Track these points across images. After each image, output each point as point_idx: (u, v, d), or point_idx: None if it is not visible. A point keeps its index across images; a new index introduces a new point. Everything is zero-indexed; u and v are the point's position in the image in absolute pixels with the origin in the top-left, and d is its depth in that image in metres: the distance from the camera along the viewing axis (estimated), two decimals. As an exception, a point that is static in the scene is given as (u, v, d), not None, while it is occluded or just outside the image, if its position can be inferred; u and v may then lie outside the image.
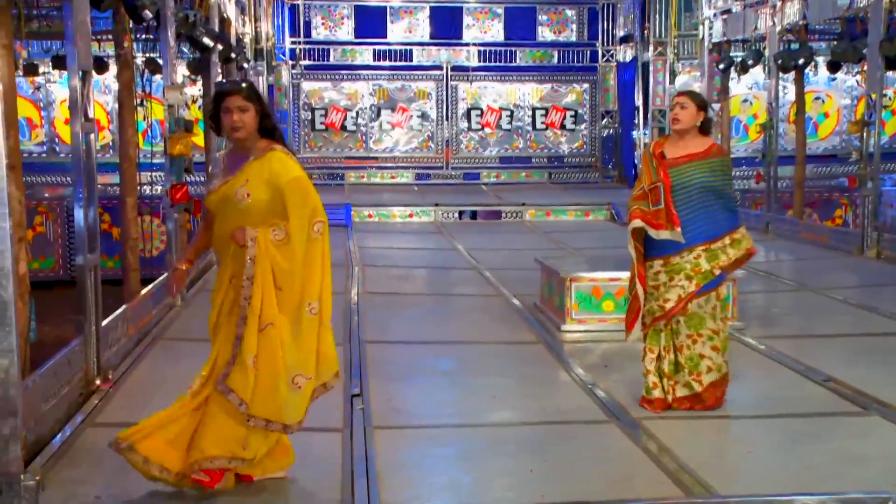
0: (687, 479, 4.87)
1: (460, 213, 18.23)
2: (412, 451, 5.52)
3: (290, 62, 22.51)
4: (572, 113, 23.36)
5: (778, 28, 14.84)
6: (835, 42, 15.73)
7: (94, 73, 6.48)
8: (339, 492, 4.80)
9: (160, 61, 10.99)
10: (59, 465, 5.06)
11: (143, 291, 8.33)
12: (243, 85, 4.73)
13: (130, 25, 8.47)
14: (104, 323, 6.70)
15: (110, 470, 4.99)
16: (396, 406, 6.34)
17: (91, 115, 6.26)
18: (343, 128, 22.97)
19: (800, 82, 14.96)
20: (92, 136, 6.31)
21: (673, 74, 17.91)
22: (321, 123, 22.91)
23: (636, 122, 22.04)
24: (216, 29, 12.13)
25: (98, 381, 6.35)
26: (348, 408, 6.21)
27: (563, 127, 23.36)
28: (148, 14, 7.85)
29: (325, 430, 5.76)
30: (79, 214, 6.26)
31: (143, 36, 10.25)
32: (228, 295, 4.67)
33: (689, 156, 5.92)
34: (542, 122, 23.31)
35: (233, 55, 13.60)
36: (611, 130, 23.31)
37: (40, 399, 5.36)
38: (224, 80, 12.45)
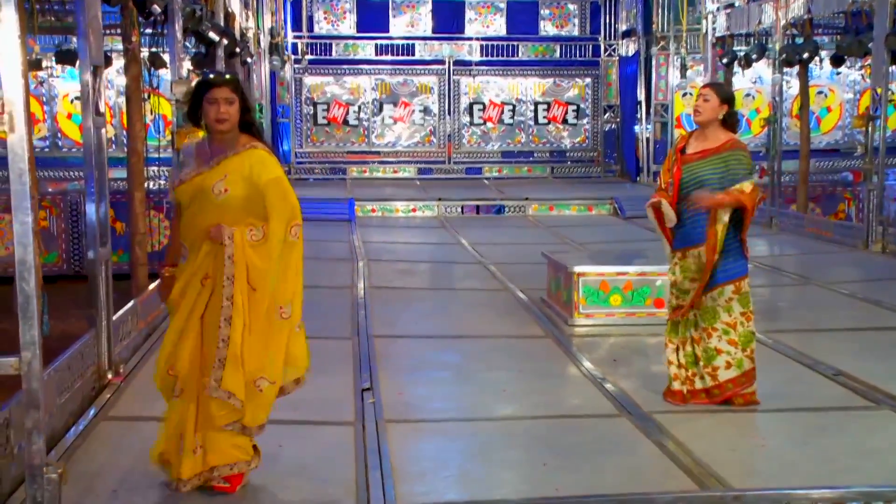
0: (701, 472, 4.89)
1: (463, 207, 18.21)
2: (425, 445, 5.54)
3: (294, 56, 22.49)
4: (574, 107, 23.37)
5: (782, 22, 14.84)
6: (838, 36, 15.74)
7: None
8: (353, 485, 4.82)
9: (164, 56, 11.01)
10: (74, 459, 5.08)
11: (152, 286, 8.33)
12: (229, 77, 4.67)
13: (139, 19, 8.46)
14: (114, 317, 6.71)
15: (126, 464, 5.03)
16: (407, 400, 6.36)
17: (102, 109, 6.27)
18: (345, 122, 22.97)
19: (804, 77, 14.95)
20: (103, 130, 6.31)
21: (684, 68, 17.86)
22: (323, 118, 22.92)
23: (638, 116, 22.05)
24: (221, 23, 12.12)
25: (110, 375, 6.36)
26: (359, 402, 6.22)
27: (565, 121, 23.37)
28: (157, 8, 7.85)
29: (337, 423, 5.80)
30: (90, 209, 6.28)
31: (148, 31, 10.22)
32: (202, 296, 4.54)
33: (703, 152, 5.87)
34: (545, 117, 23.32)
35: (237, 50, 13.59)
36: (613, 125, 23.32)
37: (55, 392, 5.38)
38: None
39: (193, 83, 4.64)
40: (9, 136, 3.44)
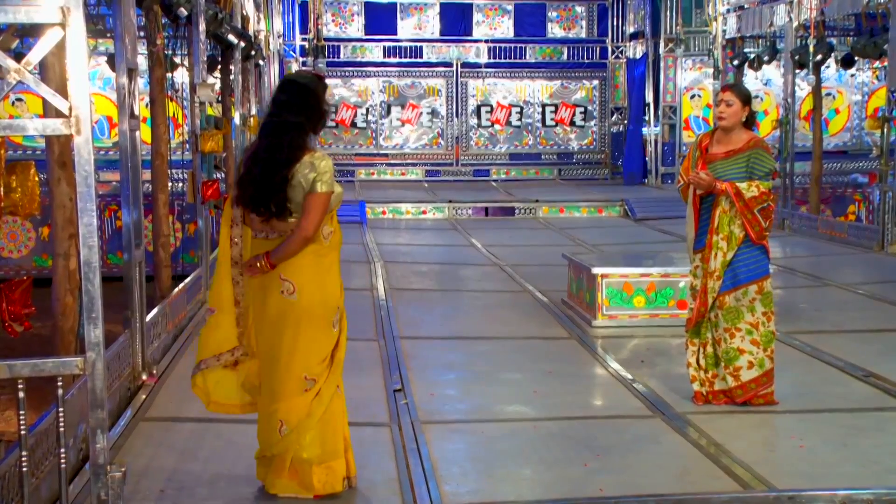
0: (743, 473, 4.91)
1: (472, 209, 18.24)
2: (463, 446, 5.57)
3: (301, 59, 22.52)
4: (582, 109, 23.42)
5: (795, 24, 14.87)
6: (848, 38, 15.78)
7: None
8: (397, 485, 4.84)
9: (176, 59, 11.03)
10: (118, 460, 5.07)
11: (179, 287, 8.36)
12: None
13: (164, 22, 8.48)
14: (146, 318, 6.74)
15: (170, 463, 5.06)
16: (439, 401, 6.39)
17: (137, 112, 6.29)
18: (353, 125, 23.02)
19: (817, 78, 14.97)
20: (138, 133, 6.34)
21: (717, 70, 17.86)
22: (331, 120, 22.91)
23: (646, 118, 22.08)
24: (239, 26, 12.16)
25: (144, 377, 6.39)
26: (392, 403, 6.25)
27: (572, 123, 23.42)
28: (183, 11, 7.88)
29: (373, 424, 5.80)
30: (125, 211, 6.30)
31: (167, 34, 10.23)
32: None
33: (727, 152, 5.95)
34: (552, 119, 23.38)
35: (252, 52, 13.63)
36: (620, 127, 23.36)
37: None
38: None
39: (319, 82, 4.62)
40: (75, 139, 3.47)
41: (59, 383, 3.63)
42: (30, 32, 6.06)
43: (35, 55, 3.49)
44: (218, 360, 4.60)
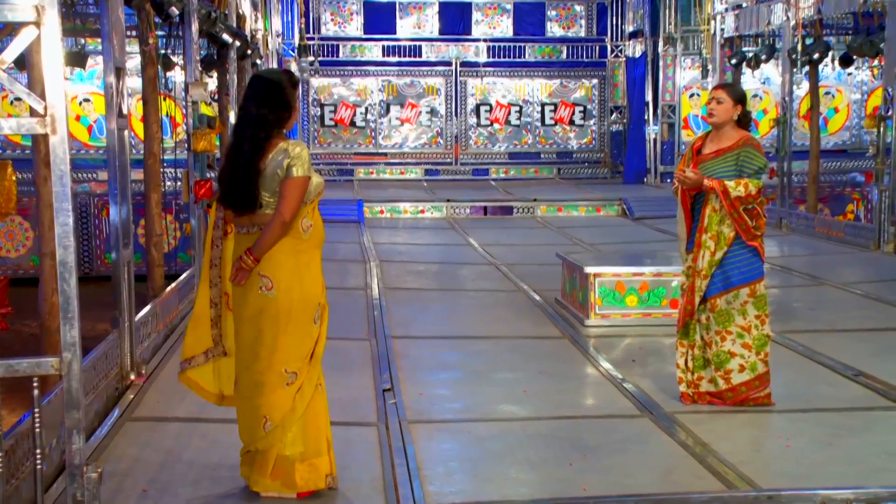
0: (728, 472, 4.90)
1: (471, 209, 18.21)
2: (450, 445, 5.56)
3: (300, 58, 22.48)
4: (581, 108, 23.36)
5: (792, 22, 14.84)
6: (846, 37, 15.74)
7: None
8: (381, 484, 4.84)
9: (172, 58, 11.02)
10: (102, 459, 5.07)
11: (170, 287, 8.35)
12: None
13: (156, 21, 8.46)
14: (136, 318, 6.73)
15: (154, 463, 5.05)
16: (428, 400, 6.38)
17: (125, 111, 6.28)
18: (352, 124, 22.99)
19: (814, 77, 14.95)
20: (126, 132, 6.33)
21: (706, 70, 17.80)
22: (330, 119, 22.94)
23: (646, 117, 22.04)
24: (234, 25, 12.14)
25: (132, 376, 6.37)
26: (381, 402, 6.24)
27: (571, 122, 23.37)
28: (175, 10, 7.87)
29: (360, 423, 5.80)
30: (113, 211, 6.30)
31: (159, 33, 10.21)
32: None
33: (717, 151, 5.94)
34: (551, 118, 23.32)
35: (248, 52, 13.61)
36: (620, 126, 23.31)
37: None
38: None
39: (284, 77, 4.62)
40: (51, 138, 3.46)
41: (35, 384, 3.61)
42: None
43: (9, 54, 3.48)
44: (189, 364, 4.69)
